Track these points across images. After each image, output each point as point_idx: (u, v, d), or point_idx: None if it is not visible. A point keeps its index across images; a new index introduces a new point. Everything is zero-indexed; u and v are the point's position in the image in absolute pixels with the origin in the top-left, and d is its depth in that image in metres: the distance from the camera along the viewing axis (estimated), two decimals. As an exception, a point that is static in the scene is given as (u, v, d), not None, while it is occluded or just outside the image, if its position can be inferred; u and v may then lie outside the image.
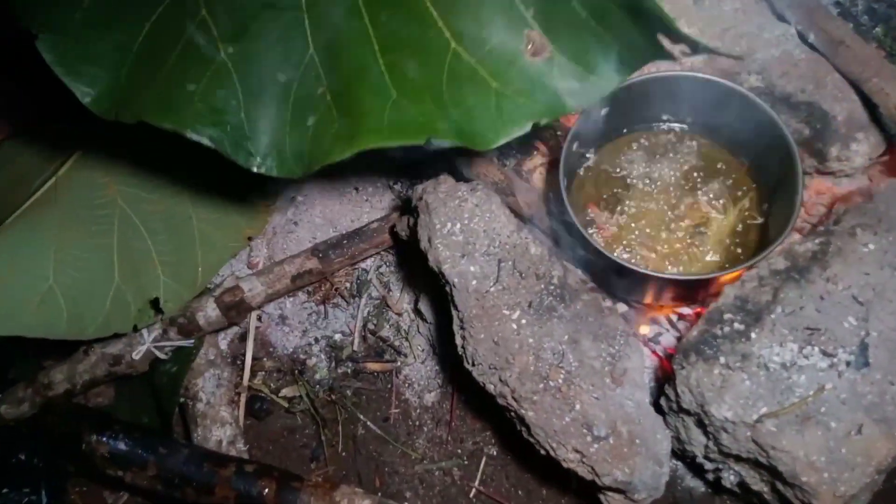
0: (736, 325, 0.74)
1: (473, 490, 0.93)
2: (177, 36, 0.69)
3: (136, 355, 0.96)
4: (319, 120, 0.68)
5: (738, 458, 0.74)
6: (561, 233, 0.87)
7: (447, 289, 0.80)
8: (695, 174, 0.93)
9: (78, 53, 0.70)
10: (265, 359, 1.05)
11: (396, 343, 1.04)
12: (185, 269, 0.98)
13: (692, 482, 0.89)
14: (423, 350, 1.03)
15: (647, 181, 0.93)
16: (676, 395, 0.75)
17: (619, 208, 0.92)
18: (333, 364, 1.03)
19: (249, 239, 1.03)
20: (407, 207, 0.90)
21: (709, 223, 0.90)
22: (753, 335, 0.73)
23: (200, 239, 1.00)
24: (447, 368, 1.00)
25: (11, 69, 0.97)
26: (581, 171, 0.94)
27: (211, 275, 1.00)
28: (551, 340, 0.75)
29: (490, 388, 0.78)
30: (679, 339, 0.92)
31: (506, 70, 0.66)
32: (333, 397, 1.01)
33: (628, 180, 0.93)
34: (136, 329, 0.94)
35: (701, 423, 0.75)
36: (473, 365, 0.78)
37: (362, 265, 1.08)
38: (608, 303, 0.81)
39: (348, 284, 1.08)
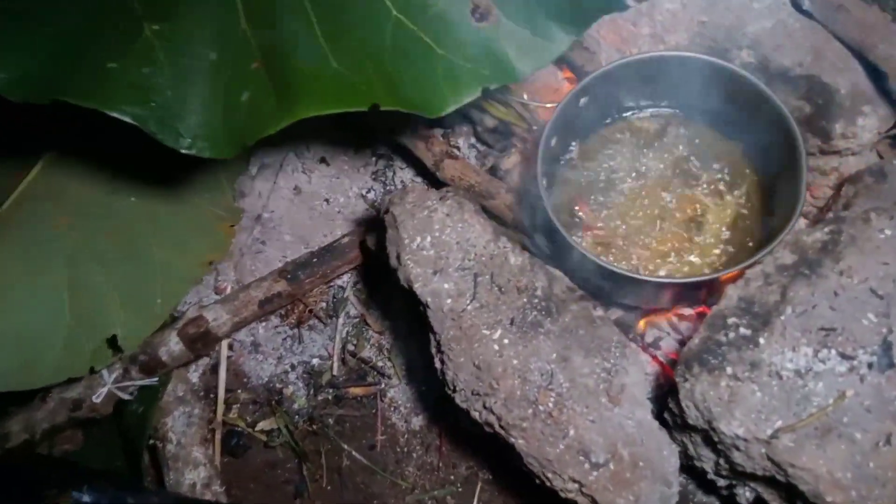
0: (742, 329, 0.66)
1: (469, 520, 0.86)
2: (97, 16, 0.66)
3: (98, 398, 0.89)
4: (253, 95, 0.67)
5: (753, 477, 0.67)
6: (544, 237, 0.79)
7: (421, 308, 0.72)
8: (686, 162, 0.85)
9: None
10: (239, 390, 0.98)
11: (379, 364, 0.97)
12: (143, 301, 0.90)
13: (705, 498, 0.82)
14: (407, 370, 0.96)
15: (636, 174, 0.85)
16: (681, 410, 0.68)
17: (607, 205, 0.84)
18: (312, 391, 0.96)
19: (211, 263, 0.96)
20: (376, 219, 0.82)
21: (705, 215, 0.83)
22: (762, 340, 0.65)
23: (160, 268, 0.92)
24: (434, 388, 0.93)
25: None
26: (563, 168, 0.87)
27: (172, 305, 0.93)
28: (538, 360, 0.68)
29: (475, 415, 0.70)
30: (681, 342, 0.85)
31: (451, 36, 0.66)
32: (315, 427, 0.94)
33: (615, 174, 0.86)
34: (93, 371, 0.87)
35: (710, 440, 0.67)
36: (455, 391, 0.71)
37: (338, 282, 1.01)
38: (600, 311, 0.73)
39: (324, 304, 1.01)
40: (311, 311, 0.99)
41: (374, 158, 1.07)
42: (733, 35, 0.84)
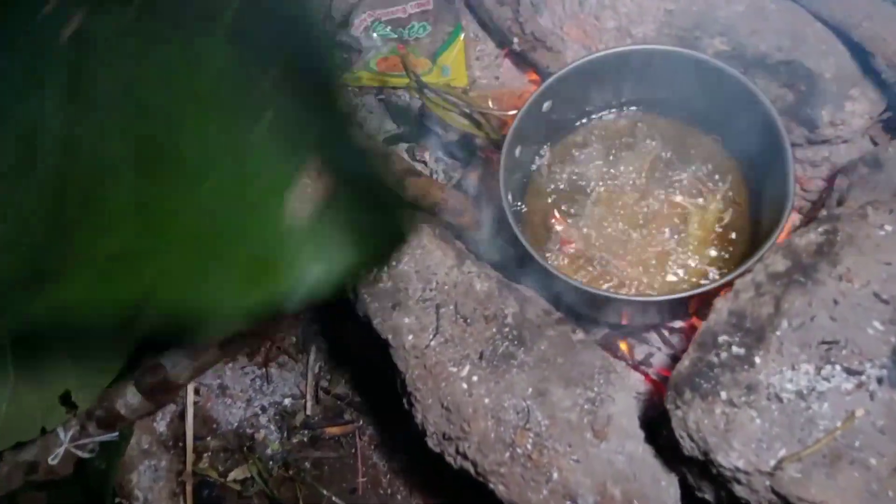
0: (734, 348, 0.60)
1: (459, 566, 0.80)
2: None
3: (54, 460, 0.83)
4: None
5: (759, 509, 0.61)
6: (512, 255, 0.73)
7: (382, 344, 0.66)
8: (664, 162, 0.79)
9: None
10: (209, 437, 0.92)
11: (356, 399, 0.91)
12: (96, 349, 0.84)
13: (712, 526, 0.75)
14: (387, 404, 0.89)
15: (612, 178, 0.79)
16: (674, 440, 0.61)
17: (583, 215, 0.78)
18: (286, 434, 0.90)
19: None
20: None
21: (687, 218, 0.76)
22: (758, 360, 0.59)
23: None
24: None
25: None
26: (535, 177, 0.81)
27: (128, 353, 0.87)
28: (512, 397, 0.61)
29: (449, 460, 0.64)
30: (674, 357, 0.78)
31: None
32: (290, 472, 0.88)
33: (590, 180, 0.79)
34: (45, 431, 0.81)
35: (707, 473, 0.61)
36: (426, 434, 0.65)
37: (305, 315, 0.95)
38: (580, 334, 0.67)
39: (293, 338, 0.95)
40: (278, 347, 0.93)
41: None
42: (704, 22, 0.77)
